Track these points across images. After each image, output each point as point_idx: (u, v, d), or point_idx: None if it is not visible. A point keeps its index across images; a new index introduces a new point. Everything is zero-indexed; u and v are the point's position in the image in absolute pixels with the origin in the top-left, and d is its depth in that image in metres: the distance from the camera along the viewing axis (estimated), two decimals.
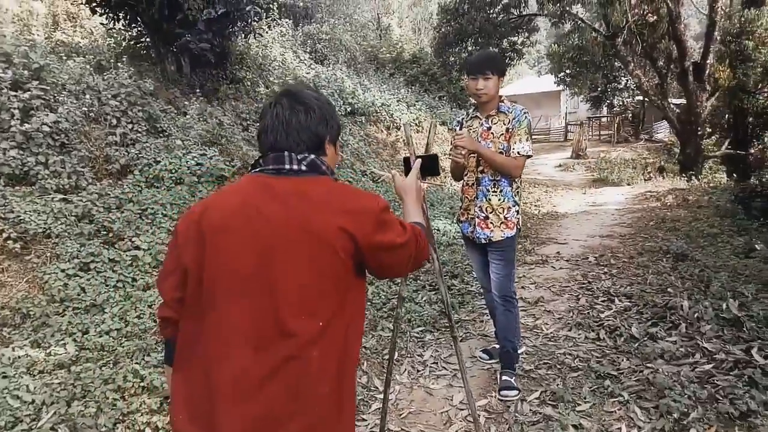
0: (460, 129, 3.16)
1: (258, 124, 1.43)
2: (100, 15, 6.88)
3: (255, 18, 7.59)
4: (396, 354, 3.65)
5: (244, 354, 1.18)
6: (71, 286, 3.72)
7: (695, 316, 3.76)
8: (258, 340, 1.19)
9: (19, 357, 3.10)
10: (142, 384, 3.02)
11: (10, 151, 4.18)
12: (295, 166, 1.29)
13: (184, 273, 1.29)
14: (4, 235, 3.76)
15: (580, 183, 14.39)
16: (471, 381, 3.31)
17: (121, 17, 6.94)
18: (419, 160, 2.02)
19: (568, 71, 19.31)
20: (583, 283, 5.00)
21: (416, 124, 11.85)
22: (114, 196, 4.63)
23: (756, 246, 5.42)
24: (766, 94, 14.31)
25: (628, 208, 9.41)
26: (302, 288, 1.21)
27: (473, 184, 3.11)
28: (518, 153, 2.93)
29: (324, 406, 1.23)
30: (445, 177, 8.76)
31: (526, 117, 2.96)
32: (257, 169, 1.34)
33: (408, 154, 2.28)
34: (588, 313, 4.23)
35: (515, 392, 3.08)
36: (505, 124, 2.97)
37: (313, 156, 1.32)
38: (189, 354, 1.27)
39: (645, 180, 13.48)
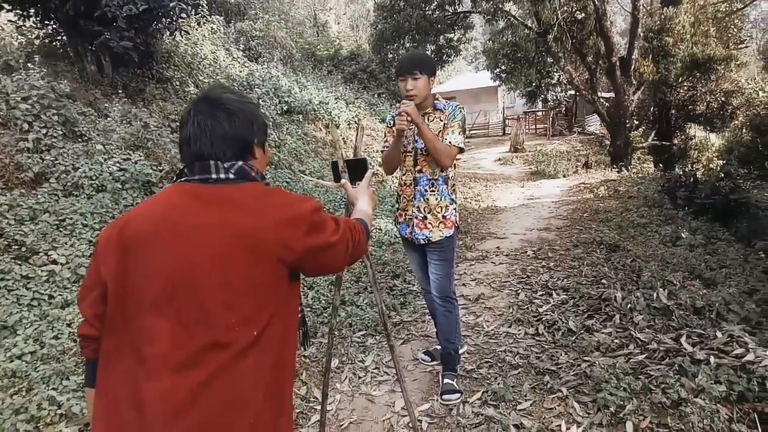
0: (394, 123, 3.08)
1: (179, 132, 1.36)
2: (8, 11, 6.35)
3: (181, 15, 7.25)
4: (336, 361, 3.56)
5: (172, 370, 1.11)
6: None
7: (628, 306, 3.86)
8: (187, 354, 1.12)
9: None
10: (59, 411, 2.78)
11: None
12: (222, 175, 1.24)
13: (105, 288, 1.21)
14: None
15: (518, 176, 14.73)
16: (413, 385, 3.27)
17: (32, 14, 6.44)
18: (370, 171, 2.03)
19: (503, 67, 19.68)
20: (522, 278, 5.06)
21: (356, 122, 11.74)
22: (27, 206, 4.28)
23: (682, 234, 5.67)
24: (686, 88, 15.14)
25: (563, 201, 9.68)
26: (233, 299, 1.15)
27: (411, 183, 3.04)
28: (450, 143, 2.87)
29: (262, 412, 1.19)
30: (376, 183, 8.70)
31: (460, 111, 2.94)
32: (182, 179, 1.27)
33: (336, 158, 2.16)
34: (527, 308, 4.27)
35: (457, 395, 3.04)
36: (441, 120, 2.92)
37: (240, 163, 1.27)
38: (111, 374, 1.17)
39: (578, 172, 13.93)
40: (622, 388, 2.86)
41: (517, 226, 7.61)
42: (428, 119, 2.95)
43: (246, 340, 1.16)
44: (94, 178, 4.88)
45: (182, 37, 8.12)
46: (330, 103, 11.32)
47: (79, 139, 5.33)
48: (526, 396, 3.00)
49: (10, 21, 6.85)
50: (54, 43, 7.03)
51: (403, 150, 3.03)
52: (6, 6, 6.24)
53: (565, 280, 4.79)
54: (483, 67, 26.84)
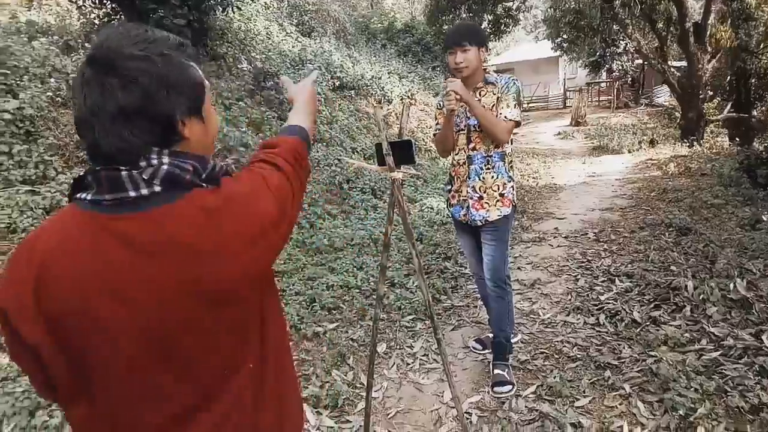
0: (442, 107, 2.90)
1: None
2: None
3: None
4: (384, 345, 3.48)
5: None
6: None
7: (700, 297, 3.55)
8: (178, 416, 0.95)
9: None
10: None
11: None
12: (144, 191, 0.86)
13: (36, 354, 0.89)
14: None
15: (579, 151, 14.08)
16: (463, 374, 3.14)
17: None
18: (315, 73, 1.61)
19: (565, 36, 18.82)
20: (582, 262, 4.78)
21: (408, 97, 11.50)
22: None
23: (763, 217, 5.19)
24: None
25: (628, 178, 9.15)
26: (213, 356, 0.95)
27: (464, 162, 2.86)
28: (506, 117, 2.68)
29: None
30: (419, 167, 8.47)
31: (514, 83, 2.73)
32: (88, 198, 0.87)
33: (380, 140, 2.02)
34: (587, 295, 4.03)
35: (509, 387, 2.89)
36: (495, 94, 2.73)
37: (166, 164, 0.87)
38: None
39: (644, 147, 13.13)
40: (692, 389, 2.62)
41: (577, 206, 7.24)
42: (480, 94, 2.75)
43: (241, 381, 1.00)
44: None
45: (234, 13, 8.10)
46: (383, 78, 11.11)
47: None
48: (584, 392, 2.81)
49: (70, 2, 7.02)
50: (112, 22, 7.16)
51: (456, 128, 2.84)
52: None
53: (630, 265, 4.49)
54: (543, 37, 25.81)
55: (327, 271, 4.70)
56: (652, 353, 3.06)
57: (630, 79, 26.61)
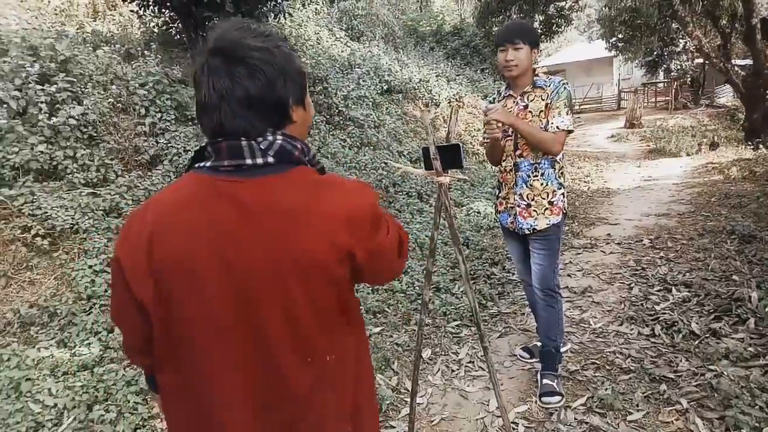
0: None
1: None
2: (131, 2, 6.81)
3: None
4: (429, 351, 3.45)
5: (245, 418, 1.00)
6: (98, 282, 3.66)
7: (766, 309, 3.35)
8: (256, 397, 0.99)
9: (43, 358, 3.06)
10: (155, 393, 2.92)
11: (38, 146, 4.14)
12: (259, 160, 0.96)
13: (141, 308, 1.00)
14: (33, 231, 3.73)
15: (634, 154, 13.59)
16: (510, 383, 3.08)
17: (150, 3, 6.84)
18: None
19: (620, 36, 18.18)
20: (637, 270, 4.60)
21: (456, 100, 11.41)
22: (143, 187, 4.56)
23: None
24: None
25: (687, 182, 8.75)
26: (298, 328, 0.98)
27: (511, 169, 2.81)
28: (557, 128, 2.60)
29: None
30: (467, 171, 8.36)
31: (565, 88, 2.63)
32: (207, 164, 0.99)
33: (427, 144, 2.00)
34: (641, 304, 3.87)
35: (557, 398, 2.80)
36: (543, 100, 2.65)
37: (280, 139, 0.98)
38: (180, 410, 1.06)
39: (704, 150, 12.52)
40: (757, 407, 2.48)
41: (631, 211, 6.98)
42: (527, 98, 2.68)
43: (320, 370, 1.03)
44: None
45: (286, 19, 8.26)
46: (430, 81, 11.07)
47: (190, 123, 5.60)
48: (638, 406, 2.70)
49: (131, 11, 7.34)
50: (170, 31, 7.45)
51: (504, 135, 2.79)
52: None
53: (688, 274, 4.29)
54: (597, 37, 25.08)
55: None
56: (712, 367, 2.91)
57: (689, 79, 25.50)
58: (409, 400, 2.75)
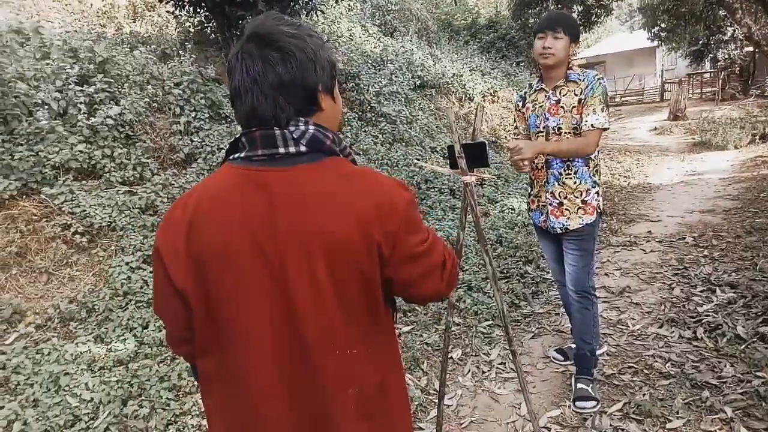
0: (523, 105, 2.77)
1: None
2: (166, 3, 6.93)
3: None
4: (459, 351, 3.39)
5: (282, 408, 1.03)
6: (134, 279, 3.75)
7: None
8: (291, 386, 1.02)
9: (81, 353, 3.15)
10: (196, 383, 2.97)
11: (77, 146, 4.25)
12: (291, 149, 0.98)
13: (183, 298, 1.03)
14: (72, 229, 3.84)
15: (677, 148, 13.08)
16: (542, 386, 2.99)
17: (185, 3, 6.96)
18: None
19: (663, 25, 17.58)
20: (678, 269, 4.41)
21: (491, 94, 11.22)
22: (178, 185, 4.65)
23: None
24: None
25: (734, 177, 8.36)
26: (324, 314, 1.00)
27: (542, 166, 2.72)
28: (592, 126, 2.50)
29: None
30: (497, 170, 8.19)
31: (600, 84, 2.52)
32: (241, 155, 1.02)
33: (452, 142, 1.95)
34: (683, 306, 3.71)
35: (592, 403, 2.71)
36: (576, 95, 2.55)
37: (312, 128, 1.00)
38: (219, 398, 1.09)
39: (754, 142, 11.95)
40: None
41: (673, 207, 6.72)
42: (560, 93, 2.58)
43: (350, 363, 1.04)
44: None
45: (318, 16, 8.28)
46: (464, 76, 10.92)
47: (224, 121, 5.67)
48: (678, 413, 2.59)
49: (168, 12, 7.48)
50: (205, 30, 7.55)
51: (534, 130, 2.70)
52: None
53: (734, 274, 4.09)
54: (639, 27, 24.30)
55: None
56: (760, 374, 2.76)
57: (738, 68, 24.42)
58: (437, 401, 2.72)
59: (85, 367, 3.05)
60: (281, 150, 0.99)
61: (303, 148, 0.99)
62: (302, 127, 1.00)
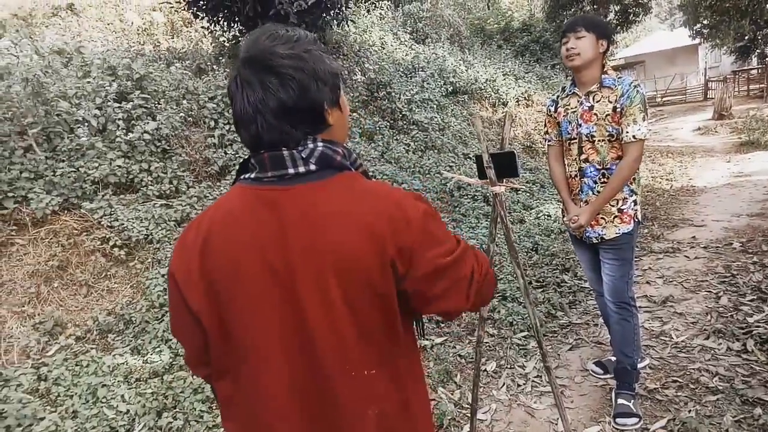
0: (555, 109, 2.69)
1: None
2: (201, 19, 7.10)
3: (347, 4, 7.40)
4: (494, 364, 3.31)
5: (296, 430, 1.01)
6: None
7: None
8: (305, 407, 1.00)
9: (118, 365, 3.21)
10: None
11: (116, 161, 4.38)
12: (301, 169, 0.97)
13: (198, 320, 1.02)
14: (111, 242, 3.94)
15: (723, 148, 12.57)
16: (580, 401, 2.89)
17: (220, 18, 7.11)
18: None
19: (705, 22, 16.99)
20: (726, 277, 4.21)
21: (525, 98, 11.04)
22: (212, 197, 4.72)
23: None
24: None
25: None
26: (338, 333, 0.97)
27: (576, 175, 2.64)
28: (634, 137, 2.41)
29: None
30: (532, 175, 8.01)
31: (638, 92, 2.42)
32: (251, 176, 1.01)
33: (481, 152, 1.90)
34: (731, 316, 3.53)
35: (634, 420, 2.59)
36: (611, 102, 2.45)
37: (321, 146, 0.98)
38: (237, 420, 1.08)
39: None
40: None
41: (719, 211, 6.43)
42: (593, 99, 2.50)
43: (368, 384, 1.01)
44: None
45: (350, 26, 8.33)
46: (497, 80, 10.78)
47: None
48: (727, 431, 2.44)
49: (203, 27, 7.67)
50: (239, 44, 7.68)
51: (566, 136, 2.62)
52: (200, 14, 7.00)
53: None
54: (680, 24, 23.57)
55: None
56: None
57: None
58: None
59: (121, 379, 3.11)
60: (290, 171, 0.97)
61: (312, 167, 0.97)
62: (311, 146, 0.98)
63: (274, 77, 0.94)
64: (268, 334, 0.98)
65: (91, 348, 3.32)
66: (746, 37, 21.21)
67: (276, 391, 0.99)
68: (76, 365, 3.12)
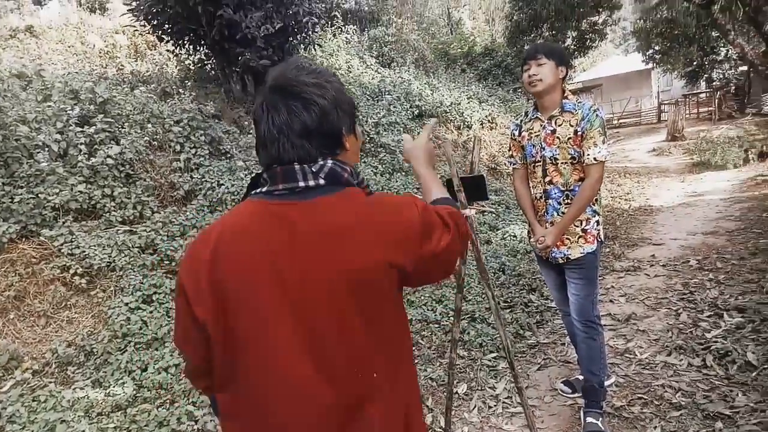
0: (519, 133, 2.78)
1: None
2: (166, 42, 7.06)
3: (314, 29, 7.48)
4: (465, 386, 3.33)
5: None
6: (133, 320, 3.70)
7: None
8: (318, 412, 1.01)
9: (78, 399, 3.09)
10: (195, 427, 2.91)
11: (77, 186, 4.27)
12: (311, 182, 1.02)
13: (204, 330, 1.03)
14: (71, 270, 3.82)
15: (677, 168, 13.10)
16: (551, 420, 2.92)
17: (186, 42, 7.08)
18: (433, 120, 1.69)
19: (657, 47, 17.82)
20: (684, 294, 4.36)
21: (489, 121, 11.30)
22: (177, 223, 4.63)
23: None
24: None
25: (735, 197, 8.34)
26: (352, 343, 1.02)
27: (541, 197, 2.71)
28: (595, 159, 2.50)
29: None
30: (497, 197, 8.19)
31: (597, 116, 2.52)
32: (262, 191, 1.06)
33: (449, 176, 1.94)
34: (691, 332, 3.65)
35: None
36: (572, 126, 2.55)
37: (330, 163, 1.04)
38: (240, 429, 1.09)
39: (755, 162, 11.94)
40: None
41: (676, 230, 6.68)
42: (555, 123, 2.59)
43: (374, 385, 1.04)
44: (235, 193, 5.16)
45: (316, 50, 8.41)
46: (462, 104, 11.01)
47: (223, 157, 5.70)
48: None
49: (168, 51, 7.61)
50: (204, 67, 7.67)
51: (530, 159, 2.70)
52: (165, 37, 6.95)
53: (741, 297, 4.03)
54: (633, 50, 24.63)
55: (405, 304, 4.63)
56: None
57: (733, 87, 24.64)
58: None
59: (82, 414, 2.99)
60: (301, 183, 1.02)
61: (321, 181, 1.03)
62: (321, 161, 1.04)
63: (299, 102, 1.02)
64: (277, 343, 0.99)
65: (50, 382, 3.19)
66: (695, 63, 22.30)
67: (280, 402, 1.00)
68: (33, 401, 2.99)
